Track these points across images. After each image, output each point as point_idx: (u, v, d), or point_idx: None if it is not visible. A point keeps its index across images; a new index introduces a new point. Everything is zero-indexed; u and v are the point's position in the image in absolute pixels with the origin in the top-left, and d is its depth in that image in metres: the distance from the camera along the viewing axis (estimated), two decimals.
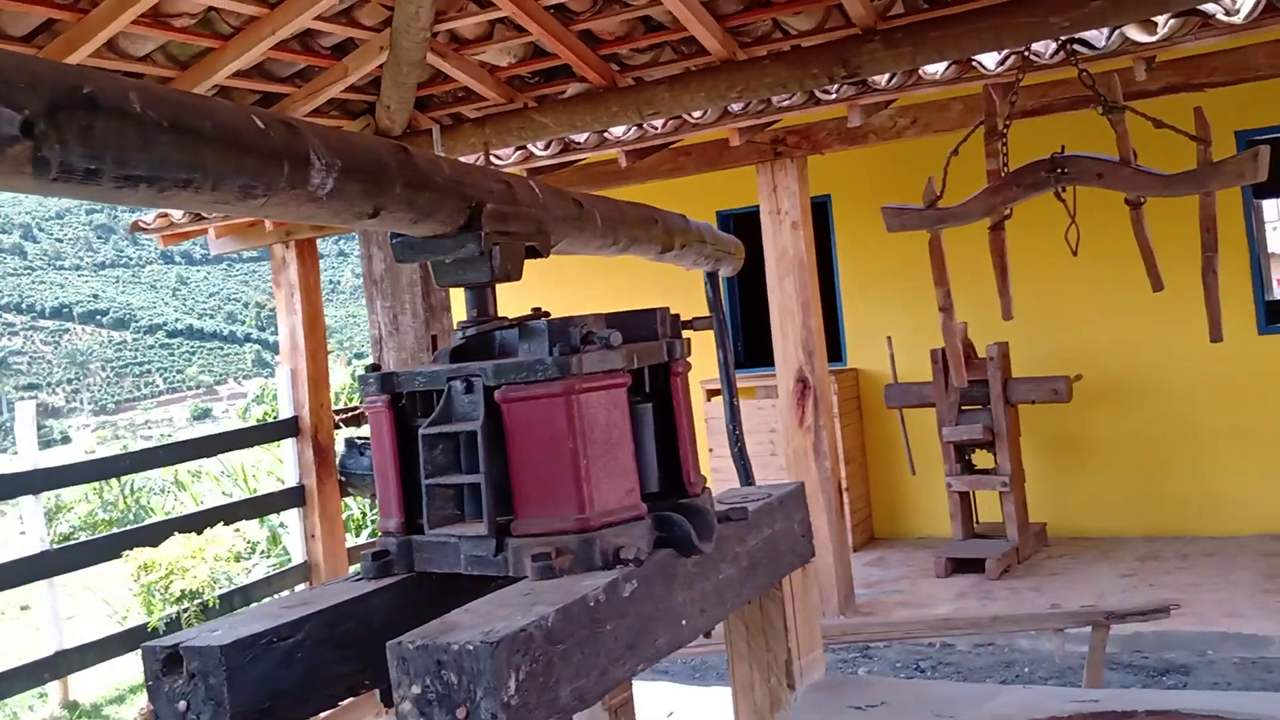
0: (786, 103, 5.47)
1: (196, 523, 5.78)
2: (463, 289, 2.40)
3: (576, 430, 2.02)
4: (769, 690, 2.67)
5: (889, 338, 7.73)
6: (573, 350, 2.05)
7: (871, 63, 4.14)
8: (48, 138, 1.26)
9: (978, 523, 7.88)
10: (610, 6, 4.37)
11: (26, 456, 5.65)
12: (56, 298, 79.06)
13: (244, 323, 78.23)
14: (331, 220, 1.79)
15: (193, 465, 12.31)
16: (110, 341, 76.99)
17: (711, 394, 8.55)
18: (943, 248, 4.22)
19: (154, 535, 5.56)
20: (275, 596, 7.68)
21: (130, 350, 75.61)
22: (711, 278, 3.93)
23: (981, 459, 7.70)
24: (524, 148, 6.12)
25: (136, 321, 77.66)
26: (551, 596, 1.87)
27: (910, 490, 8.35)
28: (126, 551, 5.43)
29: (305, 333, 7.22)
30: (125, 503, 15.66)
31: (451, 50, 4.53)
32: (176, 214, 7.02)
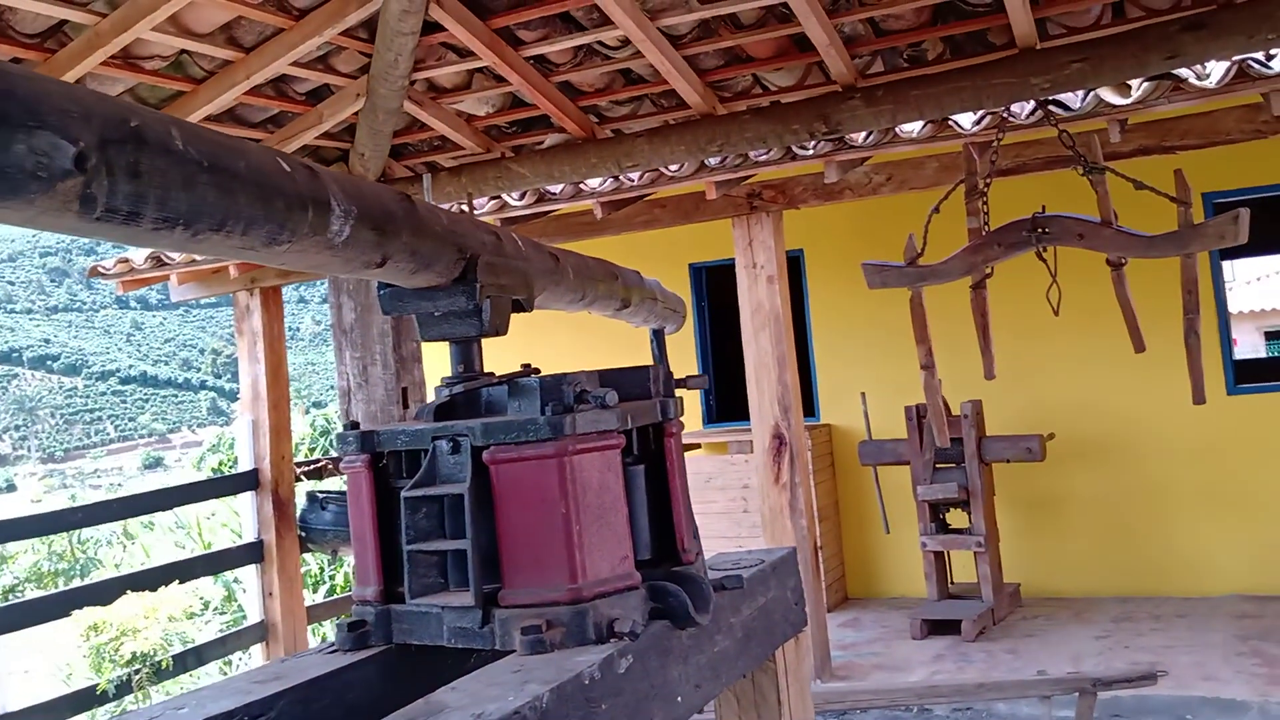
0: (764, 157, 5.44)
1: (149, 580, 5.57)
2: (447, 343, 2.31)
3: (569, 494, 1.91)
4: None
5: (863, 394, 7.68)
6: (566, 409, 1.95)
7: (852, 120, 4.11)
8: (99, 173, 1.16)
9: (952, 583, 7.80)
10: (591, 59, 4.32)
11: None
12: (6, 341, 77.70)
13: (199, 369, 77.28)
14: (341, 269, 1.69)
15: (145, 517, 12.01)
16: (61, 387, 75.65)
17: (686, 449, 8.45)
18: (923, 306, 4.17)
19: (104, 593, 5.34)
20: (237, 663, 7.43)
21: (81, 396, 74.35)
22: (658, 335, 3.84)
23: (956, 518, 7.64)
24: (499, 197, 6.04)
25: (89, 367, 76.46)
26: (544, 674, 1.75)
27: (884, 549, 8.26)
28: (75, 610, 5.22)
29: (268, 382, 7.06)
30: (73, 553, 15.25)
31: (429, 99, 4.46)
32: (138, 259, 6.87)
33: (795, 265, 8.37)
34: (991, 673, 6.34)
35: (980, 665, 6.63)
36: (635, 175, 5.68)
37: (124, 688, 5.53)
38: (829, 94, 4.23)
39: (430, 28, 3.95)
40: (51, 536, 13.38)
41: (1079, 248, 3.93)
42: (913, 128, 5.06)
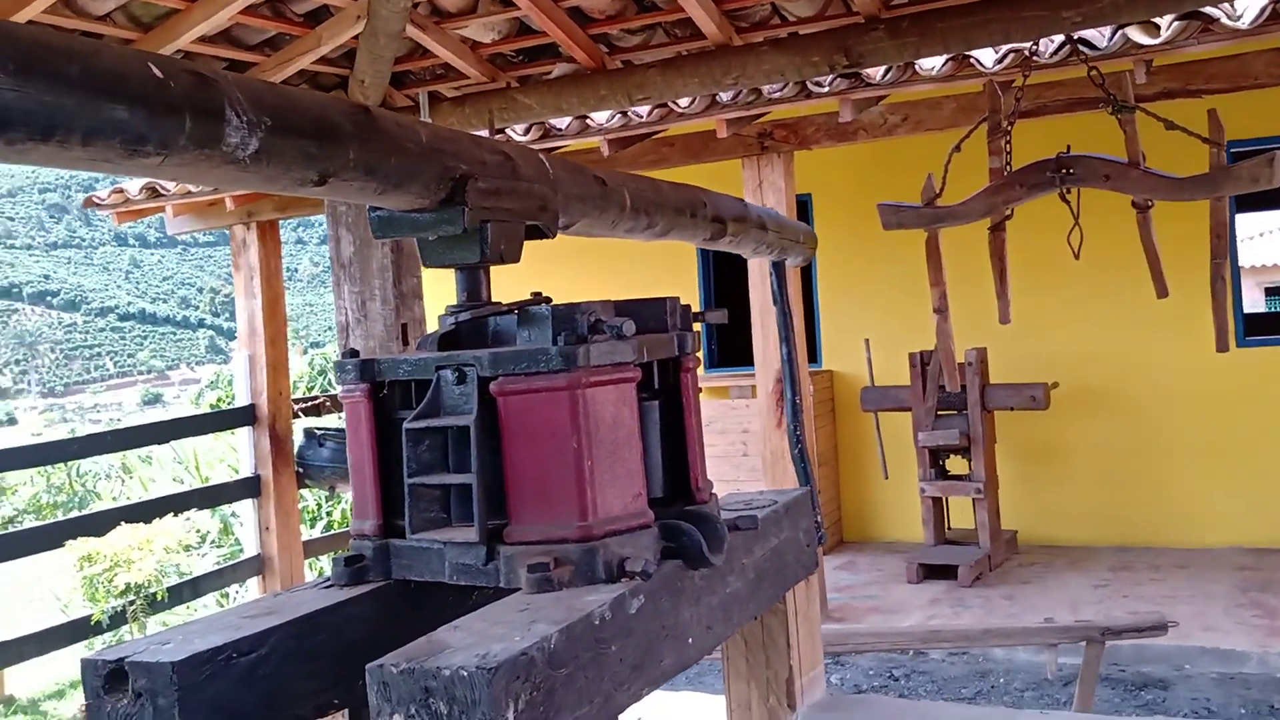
0: (778, 94, 5.28)
1: (145, 512, 5.50)
2: (453, 270, 2.20)
3: (581, 428, 1.82)
4: (768, 711, 2.48)
5: (866, 340, 7.59)
6: (579, 339, 1.85)
7: (875, 53, 3.96)
8: None
9: (949, 529, 7.77)
10: None
11: None
12: (6, 277, 77.50)
13: (198, 308, 77.15)
14: (265, 186, 1.58)
15: (143, 451, 11.96)
16: (60, 323, 75.59)
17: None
18: (939, 248, 4.06)
19: (99, 524, 5.28)
20: (234, 596, 7.40)
21: (80, 332, 74.33)
22: (777, 268, 3.76)
23: (956, 464, 7.59)
24: (501, 131, 5.89)
25: (88, 303, 76.35)
26: (552, 614, 1.67)
27: (882, 494, 8.22)
28: (69, 541, 5.15)
29: (265, 317, 6.95)
30: (72, 487, 15.24)
31: (432, 23, 4.30)
32: (132, 189, 6.73)
33: (804, 210, 8.24)
34: (988, 618, 6.31)
35: (977, 610, 6.60)
36: (644, 111, 5.53)
37: (118, 618, 5.48)
38: (851, 25, 4.08)
39: None
40: (50, 470, 13.34)
41: (1105, 189, 3.81)
42: (933, 65, 4.91)
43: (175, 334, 75.99)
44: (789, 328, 4.13)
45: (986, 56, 4.87)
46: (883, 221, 4.17)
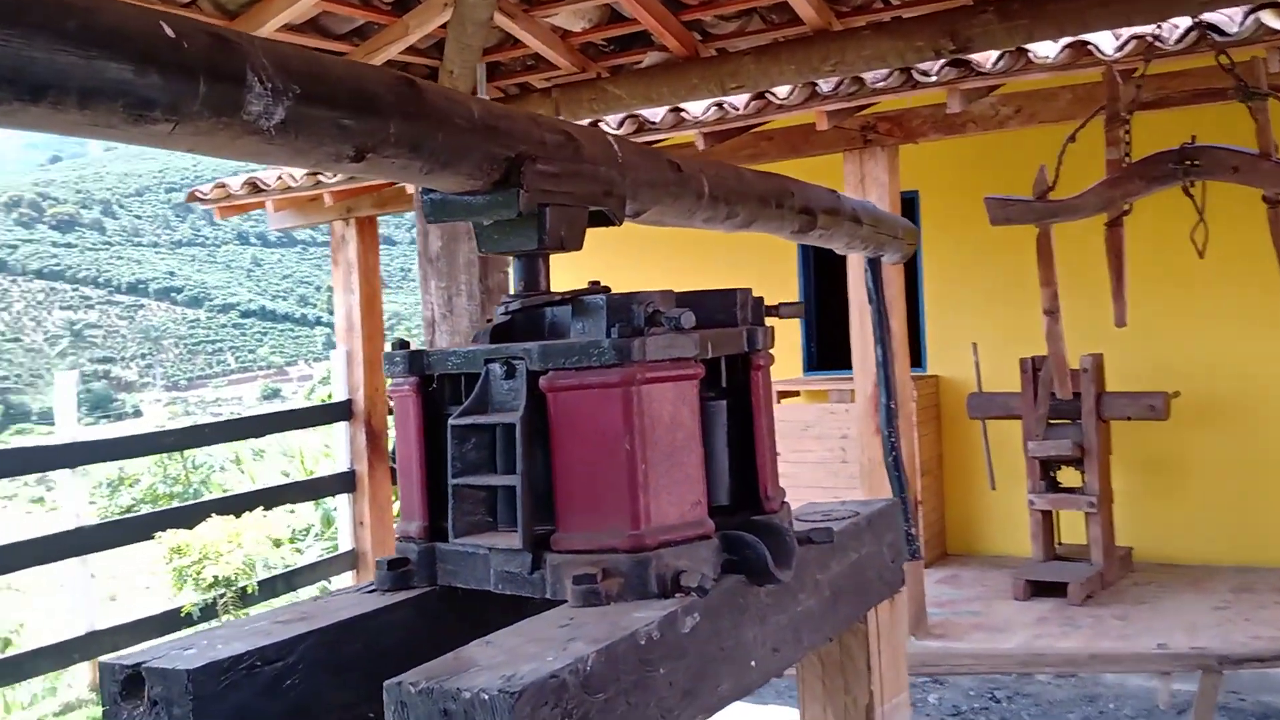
0: (881, 84, 5.06)
1: (235, 505, 5.53)
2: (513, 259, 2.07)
3: (635, 428, 1.67)
4: None
5: (974, 344, 7.27)
6: (635, 332, 1.70)
7: (983, 36, 3.73)
8: None
9: (1059, 544, 7.40)
10: None
11: (65, 429, 5.44)
12: (133, 273, 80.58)
13: (315, 306, 79.19)
14: (295, 161, 1.45)
15: (257, 444, 12.20)
16: (184, 319, 78.36)
17: (783, 396, 8.15)
18: (1052, 245, 3.80)
19: (189, 517, 5.32)
20: (328, 590, 7.43)
21: (203, 328, 76.96)
22: (873, 265, 3.59)
23: (1067, 477, 7.23)
24: (595, 124, 5.78)
25: (210, 300, 78.98)
26: (594, 630, 1.52)
27: (989, 506, 7.88)
28: (159, 533, 5.19)
29: (362, 314, 6.97)
30: (187, 478, 15.65)
31: (521, 11, 4.20)
32: (234, 185, 6.79)
33: (910, 207, 7.96)
34: (1098, 640, 5.97)
35: (1087, 631, 6.26)
36: (740, 103, 5.36)
37: (209, 611, 5.51)
38: (958, 8, 3.85)
39: None
40: (167, 461, 13.68)
41: (1232, 182, 3.52)
42: (1048, 52, 4.63)
43: (294, 330, 78.20)
44: (885, 328, 3.92)
45: (1106, 43, 4.58)
46: (990, 216, 3.93)
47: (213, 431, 6.44)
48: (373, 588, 1.94)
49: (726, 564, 1.79)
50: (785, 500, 2.01)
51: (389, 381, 1.97)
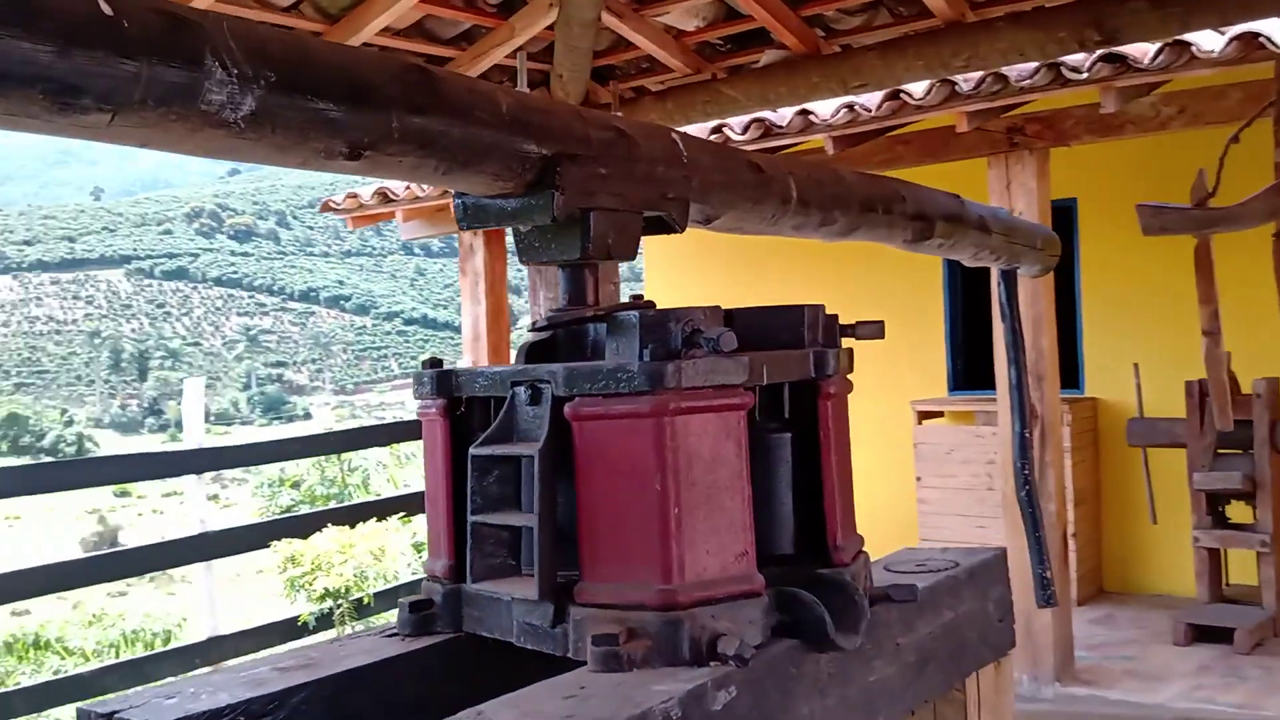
0: (1026, 82, 4.67)
1: (350, 516, 5.50)
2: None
3: (668, 465, 1.43)
4: None
5: (1135, 365, 6.73)
6: (671, 354, 1.47)
7: (1134, 25, 3.36)
8: None
9: (1227, 585, 6.78)
10: None
11: (192, 435, 5.50)
12: (305, 282, 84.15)
13: None
14: (275, 158, 1.27)
15: (406, 450, 12.36)
16: (352, 325, 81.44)
17: (925, 416, 7.73)
18: (1211, 257, 3.39)
19: (304, 526, 5.32)
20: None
21: (370, 335, 79.84)
22: (1006, 278, 3.32)
23: (1237, 512, 6.61)
24: (720, 130, 5.55)
25: (376, 308, 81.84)
26: (602, 707, 1.29)
27: (1149, 541, 7.30)
28: (274, 542, 5.19)
29: (488, 324, 6.89)
30: (343, 480, 16.04)
31: (630, 10, 4.00)
32: (365, 194, 6.81)
33: (1066, 216, 7.45)
34: (1267, 696, 5.40)
35: (1254, 685, 5.67)
36: (873, 104, 5.04)
37: (324, 621, 5.49)
38: None
39: None
40: (324, 464, 14.05)
41: None
42: (1213, 45, 4.18)
43: (454, 339, 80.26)
44: (1018, 348, 3.57)
45: None
46: (1142, 225, 3.54)
47: (338, 439, 6.46)
48: (394, 631, 1.76)
49: (779, 626, 1.54)
50: (863, 550, 1.75)
51: (417, 403, 1.79)
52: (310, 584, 4.98)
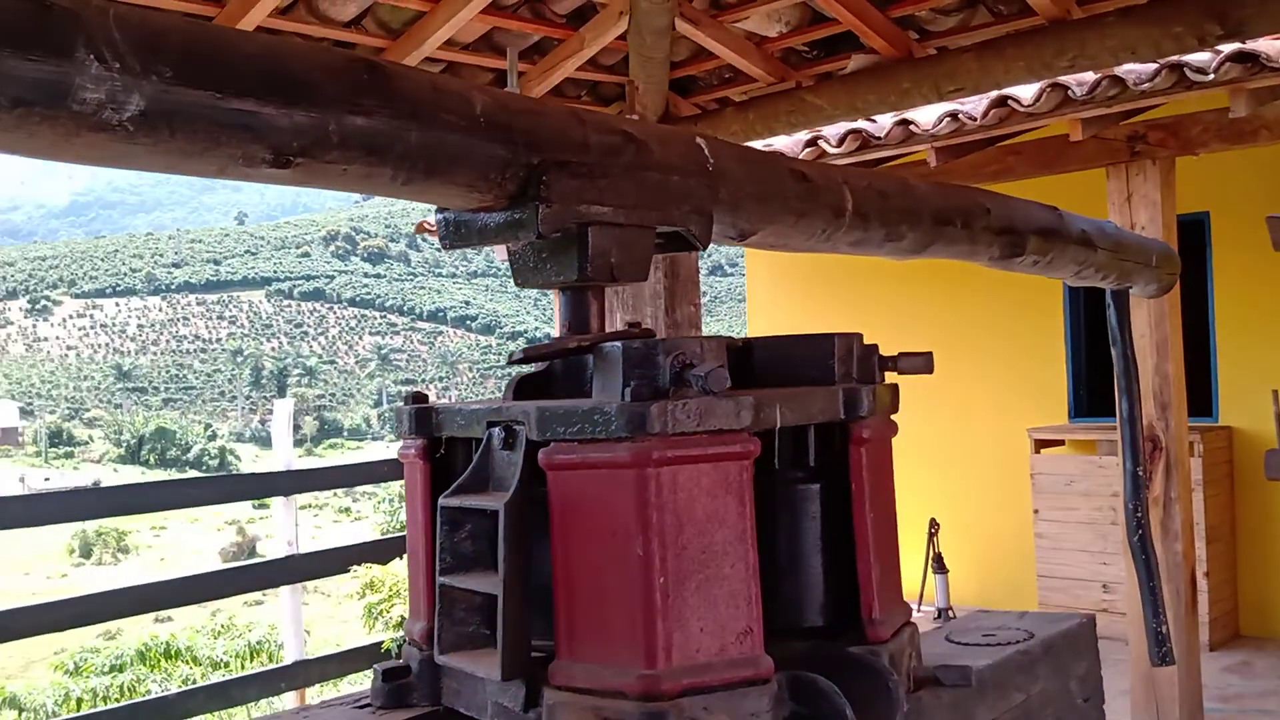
0: (1146, 85, 4.29)
1: None
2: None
3: (653, 526, 1.20)
4: None
5: (1275, 391, 6.20)
6: (658, 393, 1.24)
7: (1260, 17, 3.01)
8: None
9: None
10: None
11: (280, 456, 5.45)
12: (434, 302, 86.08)
13: None
14: (179, 166, 1.09)
15: None
16: (478, 345, 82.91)
17: (1043, 445, 7.27)
18: None
19: (382, 552, 5.21)
20: None
21: (495, 354, 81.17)
22: (1117, 299, 3.02)
23: None
24: (814, 143, 5.27)
25: (501, 328, 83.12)
26: None
27: None
28: (355, 567, 5.09)
29: None
30: None
31: (707, 17, 3.78)
32: None
33: (1198, 231, 6.94)
34: None
35: None
36: (978, 111, 4.71)
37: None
38: None
39: None
40: None
41: None
42: None
43: None
44: (1131, 376, 3.24)
45: None
46: (1273, 239, 3.16)
47: (390, 469, 6.34)
48: (365, 702, 1.57)
49: (793, 718, 1.30)
50: (910, 623, 1.48)
51: (399, 441, 1.59)
52: (388, 610, 4.87)
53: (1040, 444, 7.26)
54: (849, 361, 1.48)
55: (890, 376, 1.55)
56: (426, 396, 1.56)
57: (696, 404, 1.23)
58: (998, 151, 5.38)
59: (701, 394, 1.22)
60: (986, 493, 7.77)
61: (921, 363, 1.51)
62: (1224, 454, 6.86)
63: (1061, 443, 7.32)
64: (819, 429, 1.44)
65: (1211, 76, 4.17)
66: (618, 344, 1.29)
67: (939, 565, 7.41)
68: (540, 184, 1.35)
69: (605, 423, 1.22)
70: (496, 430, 1.36)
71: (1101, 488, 6.71)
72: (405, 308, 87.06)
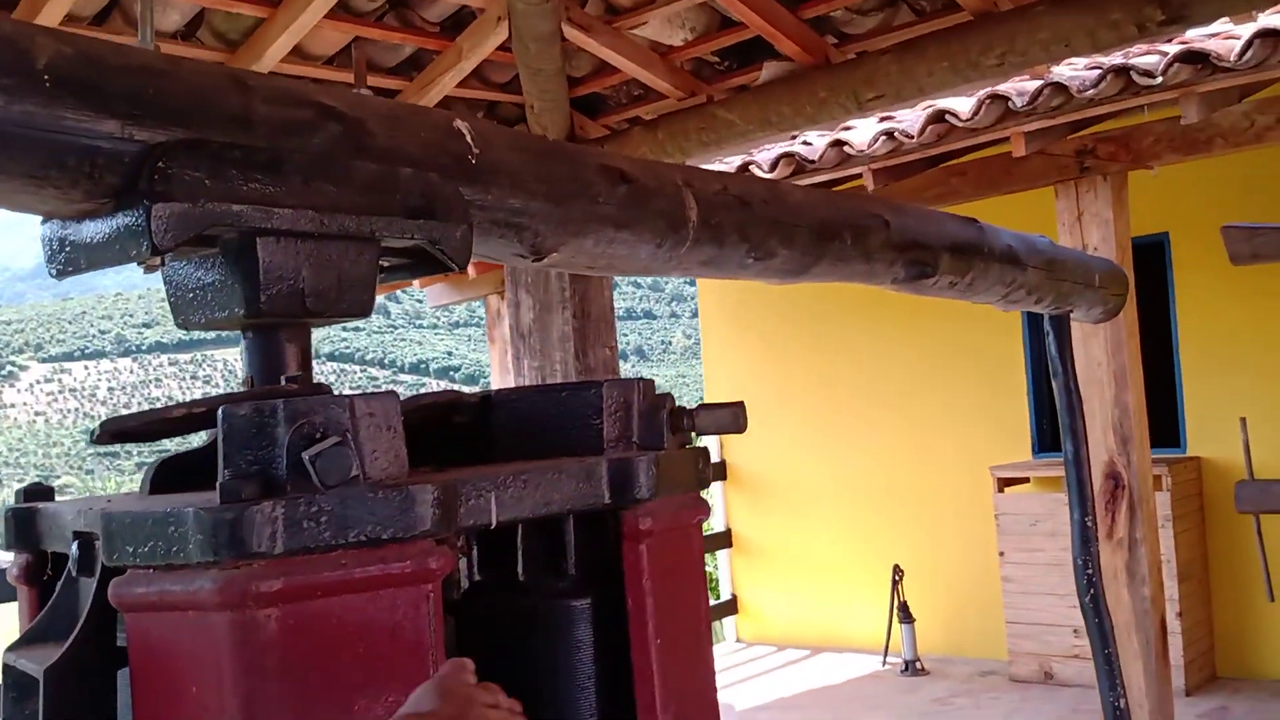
0: (1091, 92, 3.92)
1: None
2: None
3: (261, 702, 0.77)
4: None
5: (1243, 419, 5.81)
6: (271, 487, 0.80)
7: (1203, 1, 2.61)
8: None
9: None
10: None
11: None
12: (415, 354, 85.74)
13: None
14: None
15: None
16: None
17: (1006, 484, 6.85)
18: None
19: None
20: None
21: None
22: (1056, 324, 2.69)
23: None
24: (745, 168, 4.88)
25: (484, 377, 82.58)
26: None
27: (1267, 620, 6.29)
28: None
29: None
30: None
31: (600, 23, 3.37)
32: None
33: (1158, 253, 6.58)
34: None
35: None
36: (914, 128, 4.33)
37: None
38: None
39: None
40: None
41: None
42: None
43: None
44: (1076, 412, 2.84)
45: None
46: (1230, 253, 2.80)
47: None
48: None
49: None
50: None
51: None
52: None
53: (1003, 482, 6.84)
54: (626, 419, 1.05)
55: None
56: (50, 491, 1.11)
57: (331, 502, 0.79)
58: (941, 173, 5.00)
59: (357, 484, 0.79)
60: (950, 535, 7.34)
61: (727, 418, 1.08)
62: (1194, 486, 6.46)
63: (1026, 480, 6.90)
64: (582, 520, 1.00)
65: (1159, 79, 3.80)
66: (224, 409, 0.85)
67: (905, 614, 6.97)
68: (154, 173, 0.91)
69: (181, 539, 0.78)
70: (74, 548, 0.91)
71: (1065, 527, 6.25)
72: (386, 360, 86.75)
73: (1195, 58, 3.74)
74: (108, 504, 0.94)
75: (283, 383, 0.99)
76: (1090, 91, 3.96)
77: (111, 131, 0.90)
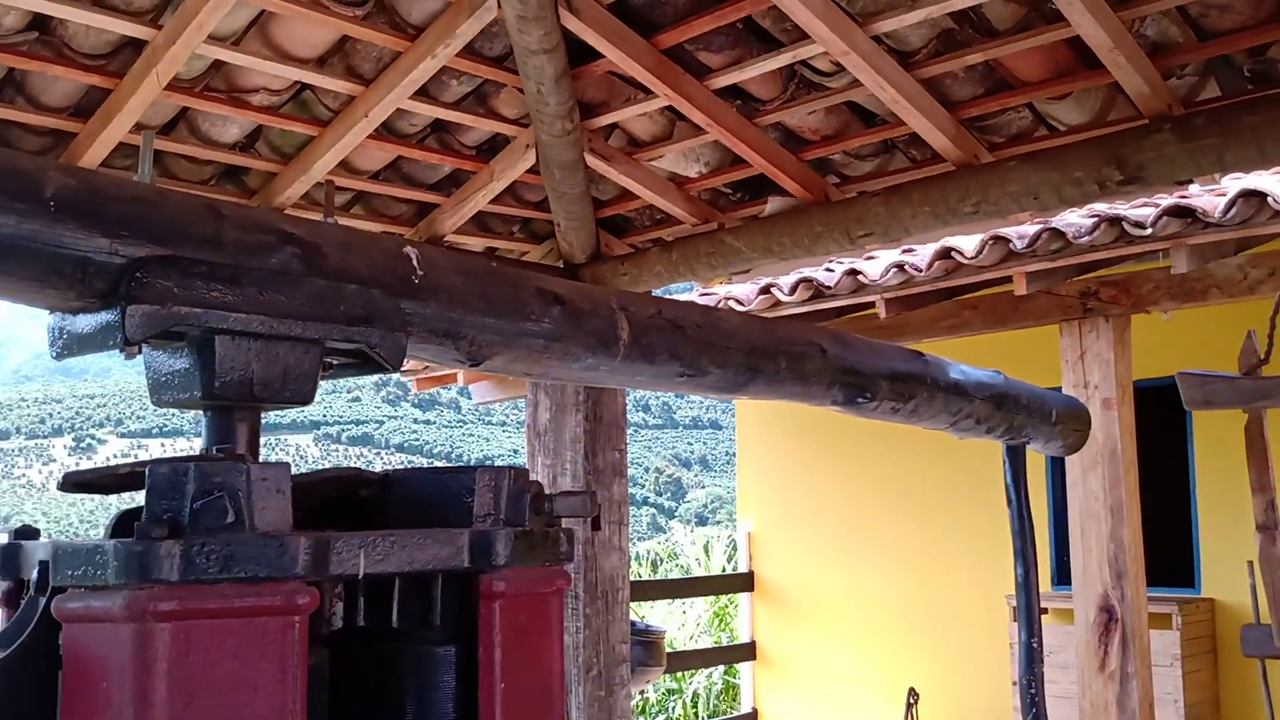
0: (1086, 239, 4.14)
1: None
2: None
3: (152, 699, 0.99)
4: None
5: (1250, 562, 5.83)
6: (176, 529, 1.04)
7: (1158, 161, 2.84)
8: None
9: None
10: (804, 92, 3.35)
11: None
12: (482, 449, 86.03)
13: (643, 486, 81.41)
14: None
15: None
16: None
17: None
18: (1266, 436, 2.76)
19: None
20: None
21: None
22: (1011, 454, 2.83)
23: None
24: (767, 290, 5.14)
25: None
26: None
27: None
28: None
29: None
30: None
31: (621, 154, 3.68)
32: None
33: (1177, 396, 6.65)
34: None
35: None
36: (922, 264, 4.57)
37: None
38: (1125, 130, 2.98)
39: (592, 52, 3.20)
40: None
41: None
42: None
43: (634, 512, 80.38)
44: (1026, 538, 2.99)
45: None
46: (1184, 398, 2.96)
47: None
48: None
49: None
50: None
51: None
52: None
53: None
54: (495, 500, 1.27)
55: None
56: (36, 532, 1.36)
57: (219, 544, 1.02)
58: (954, 305, 5.21)
59: (243, 531, 1.02)
60: (966, 661, 7.36)
61: (578, 503, 1.30)
62: (1206, 628, 6.44)
63: (1044, 611, 6.92)
64: (454, 581, 1.22)
65: (1149, 231, 4.01)
66: (150, 467, 1.10)
67: None
68: (131, 280, 1.18)
69: (104, 565, 1.02)
70: (35, 573, 1.16)
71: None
72: (454, 454, 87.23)
73: (1183, 212, 3.95)
74: (46, 543, 1.19)
75: (214, 451, 1.24)
76: (1086, 238, 4.18)
77: (102, 247, 1.17)
